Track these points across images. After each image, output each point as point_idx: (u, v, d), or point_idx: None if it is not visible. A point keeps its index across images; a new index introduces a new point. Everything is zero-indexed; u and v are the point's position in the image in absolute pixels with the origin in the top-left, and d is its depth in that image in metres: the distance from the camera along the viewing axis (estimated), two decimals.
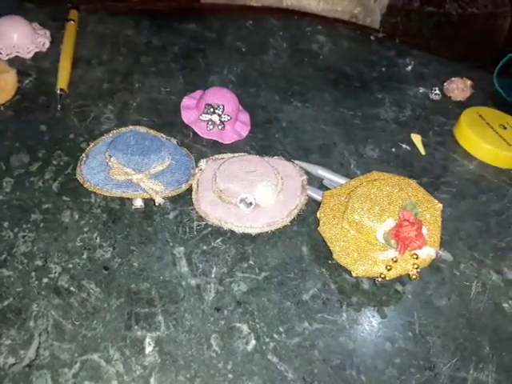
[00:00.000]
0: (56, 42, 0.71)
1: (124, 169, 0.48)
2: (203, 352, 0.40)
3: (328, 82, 0.74)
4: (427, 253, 0.45)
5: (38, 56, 0.68)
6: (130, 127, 0.57)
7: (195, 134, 0.60)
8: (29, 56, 0.68)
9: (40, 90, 0.63)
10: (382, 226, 0.45)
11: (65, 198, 0.50)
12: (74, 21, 0.72)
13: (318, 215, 0.50)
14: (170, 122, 0.61)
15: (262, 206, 0.48)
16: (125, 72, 0.68)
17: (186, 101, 0.62)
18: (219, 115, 0.57)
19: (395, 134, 0.66)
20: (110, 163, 0.49)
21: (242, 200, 0.48)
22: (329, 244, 0.47)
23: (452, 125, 0.69)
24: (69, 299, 0.41)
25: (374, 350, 0.42)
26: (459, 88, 0.74)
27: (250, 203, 0.48)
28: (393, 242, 0.45)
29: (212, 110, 0.58)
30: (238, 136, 0.60)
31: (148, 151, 0.50)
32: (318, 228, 0.49)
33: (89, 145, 0.55)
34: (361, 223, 0.46)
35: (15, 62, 0.66)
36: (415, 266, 0.44)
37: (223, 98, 0.59)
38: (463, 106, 0.71)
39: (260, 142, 0.61)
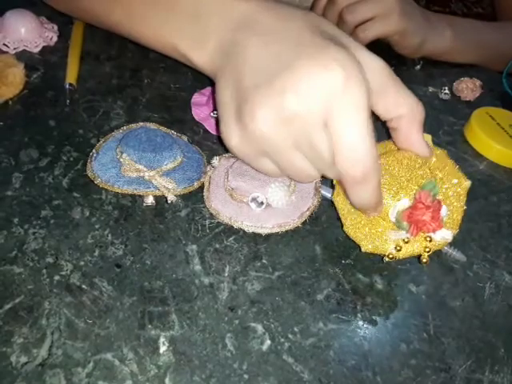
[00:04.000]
0: (64, 36, 0.70)
1: (136, 165, 0.47)
2: (218, 352, 0.39)
3: None
4: (442, 236, 0.44)
5: (45, 50, 0.68)
6: (141, 123, 0.56)
7: (206, 131, 0.59)
8: (36, 50, 0.67)
9: (48, 85, 0.62)
10: (395, 207, 0.44)
11: (75, 194, 0.49)
12: None
13: (327, 192, 0.50)
14: (180, 119, 0.61)
15: (274, 207, 0.48)
16: (133, 68, 0.68)
17: (196, 97, 0.62)
18: None
19: None
20: (121, 160, 0.48)
21: (254, 199, 0.47)
22: (340, 215, 0.47)
23: (462, 125, 0.69)
24: (81, 297, 0.41)
25: (389, 351, 0.42)
26: (468, 88, 0.74)
27: (262, 203, 0.47)
28: (405, 223, 0.44)
29: None
30: None
31: (160, 148, 0.49)
32: (332, 197, 0.48)
33: (99, 141, 0.54)
34: None
35: (23, 56, 0.65)
36: (427, 250, 0.44)
37: None
38: (473, 105, 0.71)
39: None
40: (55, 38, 0.69)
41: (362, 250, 0.45)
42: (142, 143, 0.49)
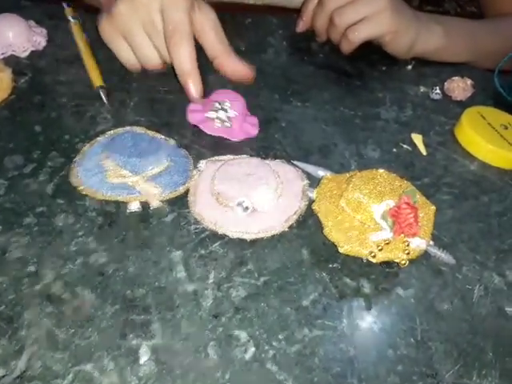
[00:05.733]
0: (53, 40, 0.70)
1: (120, 171, 0.47)
2: (200, 361, 0.39)
3: (328, 81, 0.73)
4: (418, 243, 0.45)
5: (33, 55, 0.67)
6: (127, 128, 0.56)
7: (194, 134, 0.59)
8: (24, 55, 0.66)
9: (35, 90, 0.62)
10: (380, 206, 0.46)
11: (59, 200, 0.49)
12: (78, 19, 0.71)
13: (314, 194, 0.50)
14: (168, 122, 0.60)
15: (260, 211, 0.47)
16: (122, 71, 0.67)
17: (193, 106, 0.61)
18: (225, 110, 0.57)
19: (396, 133, 0.65)
20: (105, 165, 0.47)
21: (239, 204, 0.47)
22: (321, 219, 0.48)
23: (453, 124, 0.68)
24: (62, 307, 0.40)
25: (375, 357, 0.41)
26: (460, 87, 0.73)
27: (247, 207, 0.47)
28: (390, 221, 0.45)
29: (218, 105, 0.57)
30: (246, 134, 0.59)
31: (145, 153, 0.48)
32: (313, 205, 0.49)
33: (84, 145, 0.53)
34: (359, 201, 0.46)
35: (10, 61, 0.64)
36: (406, 251, 0.44)
37: (230, 97, 0.59)
38: (464, 105, 0.70)
39: (259, 143, 0.60)
40: (44, 43, 0.69)
41: (340, 251, 0.45)
42: (127, 148, 0.49)
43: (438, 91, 0.73)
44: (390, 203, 0.45)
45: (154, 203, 0.46)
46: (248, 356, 0.40)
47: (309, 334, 0.42)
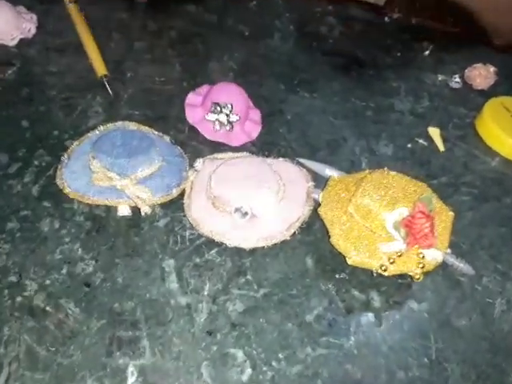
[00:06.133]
0: (43, 27, 0.66)
1: (108, 173, 0.43)
2: (193, 383, 0.36)
3: (338, 69, 0.68)
4: (434, 255, 0.41)
5: (22, 43, 0.63)
6: (119, 123, 0.52)
7: (191, 128, 0.55)
8: (13, 43, 0.62)
9: (24, 82, 0.58)
10: (392, 214, 0.41)
11: (45, 203, 0.45)
12: (76, 2, 0.67)
13: (320, 198, 0.46)
14: (163, 116, 0.56)
15: (259, 217, 0.43)
16: (116, 59, 0.63)
17: (191, 97, 0.57)
18: (227, 115, 0.52)
19: (411, 127, 0.60)
20: (92, 167, 0.44)
21: (237, 210, 0.43)
22: (328, 227, 0.44)
23: (473, 117, 0.63)
24: (44, 321, 0.37)
25: (384, 380, 0.38)
26: (481, 75, 0.67)
27: (246, 213, 0.43)
28: (402, 232, 0.40)
29: (219, 109, 0.52)
30: (248, 137, 0.54)
31: (135, 152, 0.45)
32: (319, 209, 0.45)
33: (73, 143, 0.50)
34: (369, 208, 0.42)
35: None
36: (420, 265, 0.40)
37: (231, 96, 0.53)
38: (485, 95, 0.65)
39: (262, 138, 0.56)
40: (33, 30, 0.65)
41: (349, 262, 0.41)
42: (115, 148, 0.45)
43: (457, 79, 0.67)
44: (403, 212, 0.40)
45: (144, 209, 0.43)
46: (245, 378, 0.36)
47: (312, 353, 0.38)
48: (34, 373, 0.35)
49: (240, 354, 0.37)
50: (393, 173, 0.45)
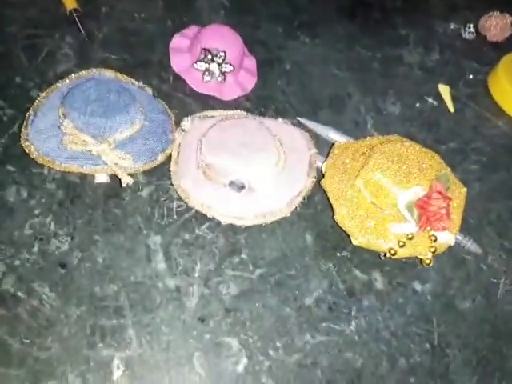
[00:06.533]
0: None
1: (81, 135, 0.37)
2: (184, 375, 0.33)
3: (342, 12, 0.60)
4: (447, 238, 0.38)
5: None
6: (93, 70, 0.45)
7: (176, 77, 0.48)
8: None
9: None
10: (407, 193, 0.37)
11: (9, 167, 0.39)
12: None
13: (323, 167, 0.41)
14: (144, 61, 0.49)
15: (257, 191, 0.39)
16: None
17: (177, 40, 0.49)
18: (219, 64, 0.45)
19: (420, 83, 0.55)
20: (62, 127, 0.37)
21: (232, 183, 0.38)
22: (332, 202, 0.39)
23: (485, 73, 0.57)
24: (16, 309, 0.33)
25: (385, 368, 0.36)
26: (498, 25, 0.61)
27: (242, 186, 0.38)
28: (416, 214, 0.37)
29: (210, 57, 0.45)
30: (242, 90, 0.48)
31: (113, 110, 0.38)
32: (321, 181, 0.41)
33: (39, 95, 0.43)
34: (380, 184, 0.38)
35: None
36: (432, 250, 0.37)
37: (225, 42, 0.46)
38: (500, 48, 0.59)
39: (258, 91, 0.50)
40: None
41: (353, 243, 0.38)
42: (90, 103, 0.38)
43: (471, 29, 0.61)
44: (418, 191, 0.36)
45: (125, 179, 0.37)
46: (240, 368, 0.34)
47: (311, 340, 0.36)
48: (8, 369, 0.31)
49: (235, 343, 0.35)
50: (407, 143, 0.40)
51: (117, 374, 0.32)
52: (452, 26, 0.62)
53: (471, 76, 0.57)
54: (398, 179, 0.37)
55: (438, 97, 0.54)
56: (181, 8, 0.55)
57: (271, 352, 0.35)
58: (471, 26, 0.61)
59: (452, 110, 0.53)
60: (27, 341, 0.32)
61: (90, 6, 0.52)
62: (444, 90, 0.55)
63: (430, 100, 0.54)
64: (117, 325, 0.34)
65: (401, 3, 0.63)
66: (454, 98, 0.54)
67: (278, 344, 0.35)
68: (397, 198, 0.37)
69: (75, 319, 0.34)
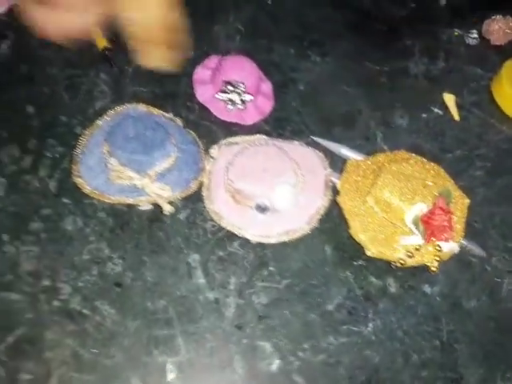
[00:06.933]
0: None
1: (126, 172, 0.43)
2: (226, 376, 0.39)
3: (348, 26, 0.64)
4: (451, 247, 0.43)
5: (14, 10, 0.58)
6: (128, 106, 0.50)
7: (202, 106, 0.53)
8: (1, 10, 0.57)
9: (20, 56, 0.55)
10: (412, 209, 0.42)
11: (64, 200, 0.45)
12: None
13: (338, 185, 0.46)
14: (172, 93, 0.54)
15: (280, 211, 0.44)
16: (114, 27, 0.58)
17: (200, 72, 0.54)
18: (239, 94, 0.50)
19: (426, 93, 0.59)
20: (109, 165, 0.43)
21: (258, 206, 0.43)
22: (347, 217, 0.45)
23: (489, 78, 0.61)
24: (83, 324, 0.40)
25: (400, 363, 0.41)
26: (501, 29, 0.64)
27: (265, 208, 0.43)
28: (421, 228, 0.42)
29: (231, 88, 0.50)
30: (261, 114, 0.53)
31: (151, 147, 0.44)
32: (337, 198, 0.46)
33: (83, 131, 0.48)
34: (389, 201, 0.43)
35: None
36: (437, 258, 0.42)
37: (243, 73, 0.51)
38: (503, 52, 0.62)
39: (275, 114, 0.54)
40: None
41: (368, 254, 0.43)
42: (130, 141, 0.44)
43: (475, 35, 0.64)
44: (422, 207, 0.41)
45: (166, 208, 0.43)
46: (274, 368, 0.40)
47: (334, 341, 0.41)
48: (82, 374, 0.38)
49: (268, 346, 0.40)
50: (412, 161, 0.45)
51: (170, 376, 0.38)
52: (456, 32, 0.65)
53: (475, 83, 0.60)
54: (404, 197, 0.42)
55: (443, 106, 0.58)
56: (199, 36, 0.59)
57: (300, 353, 0.40)
58: (474, 31, 0.64)
59: (457, 118, 0.57)
60: (95, 351, 0.39)
61: (119, 41, 0.57)
62: (449, 99, 0.58)
63: (436, 110, 0.57)
64: (168, 334, 0.40)
65: (405, 11, 0.66)
66: (458, 106, 0.58)
67: (305, 346, 0.41)
68: (404, 214, 0.42)
69: (133, 331, 0.40)
